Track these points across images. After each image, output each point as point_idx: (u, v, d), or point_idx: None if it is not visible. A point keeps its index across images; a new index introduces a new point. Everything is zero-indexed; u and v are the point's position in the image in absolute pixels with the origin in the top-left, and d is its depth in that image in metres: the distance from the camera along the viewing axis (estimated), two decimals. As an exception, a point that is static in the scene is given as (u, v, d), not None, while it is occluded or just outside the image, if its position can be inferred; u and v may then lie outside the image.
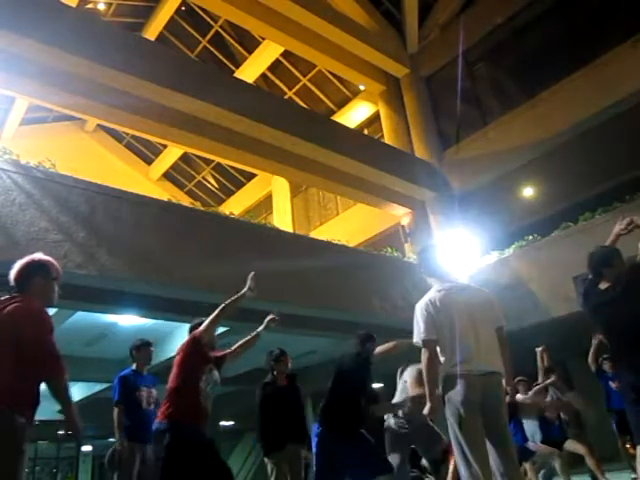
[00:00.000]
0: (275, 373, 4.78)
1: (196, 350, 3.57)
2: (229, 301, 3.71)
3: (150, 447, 4.38)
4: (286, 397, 4.66)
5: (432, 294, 3.15)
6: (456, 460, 2.94)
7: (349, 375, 4.06)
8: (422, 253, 3.42)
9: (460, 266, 9.62)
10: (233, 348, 4.07)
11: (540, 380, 6.80)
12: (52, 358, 2.48)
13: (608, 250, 3.31)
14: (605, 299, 3.21)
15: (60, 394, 2.49)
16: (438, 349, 3.03)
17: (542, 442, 6.28)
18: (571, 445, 6.32)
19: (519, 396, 6.45)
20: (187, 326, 10.03)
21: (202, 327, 3.64)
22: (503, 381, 3.10)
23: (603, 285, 3.25)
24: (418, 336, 3.05)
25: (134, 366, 4.76)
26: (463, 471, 2.86)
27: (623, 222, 3.29)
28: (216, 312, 3.66)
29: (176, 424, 3.27)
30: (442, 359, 3.01)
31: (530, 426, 6.50)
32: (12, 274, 2.63)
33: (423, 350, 3.01)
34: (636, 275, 3.19)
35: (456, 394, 2.92)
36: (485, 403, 2.94)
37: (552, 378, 6.38)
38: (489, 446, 2.92)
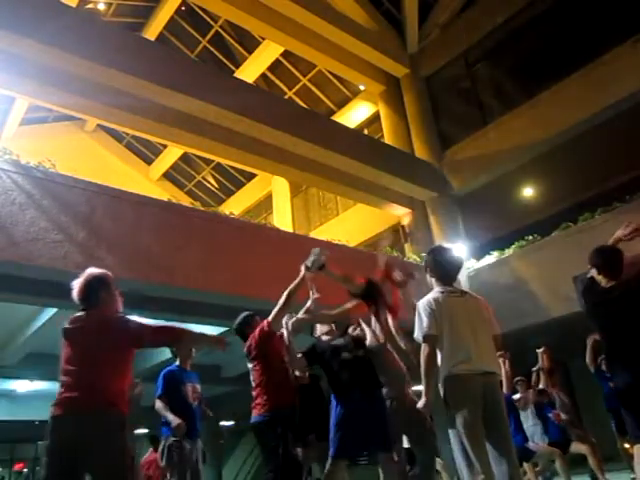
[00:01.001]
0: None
1: (271, 340, 3.74)
2: (292, 286, 3.79)
3: (198, 441, 4.47)
4: (308, 394, 4.60)
5: (435, 294, 3.16)
6: (456, 460, 2.96)
7: None
8: (432, 253, 3.37)
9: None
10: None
11: (534, 381, 6.82)
12: (162, 330, 3.10)
13: (612, 249, 3.31)
14: (606, 297, 3.21)
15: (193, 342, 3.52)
16: (437, 348, 3.05)
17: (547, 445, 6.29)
18: (575, 447, 6.32)
19: (515, 396, 6.47)
20: (187, 326, 10.01)
21: (270, 318, 3.75)
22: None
23: (605, 283, 3.25)
24: (420, 331, 3.07)
25: (177, 362, 4.80)
26: (464, 470, 2.88)
27: (627, 228, 3.27)
28: (282, 300, 3.75)
29: (279, 410, 3.54)
30: (441, 357, 3.03)
31: (530, 427, 6.50)
32: (75, 293, 2.83)
33: (424, 345, 3.03)
34: (638, 277, 3.19)
35: (457, 394, 2.95)
36: (486, 402, 2.96)
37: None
38: (489, 446, 2.93)
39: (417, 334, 3.09)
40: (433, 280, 3.26)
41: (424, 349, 3.01)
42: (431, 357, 3.00)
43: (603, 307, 3.24)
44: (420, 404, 3.03)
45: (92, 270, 2.92)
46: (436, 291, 3.19)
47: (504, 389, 6.08)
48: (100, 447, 2.45)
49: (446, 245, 3.45)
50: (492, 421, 2.95)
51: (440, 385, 3.02)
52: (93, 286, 2.84)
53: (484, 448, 2.89)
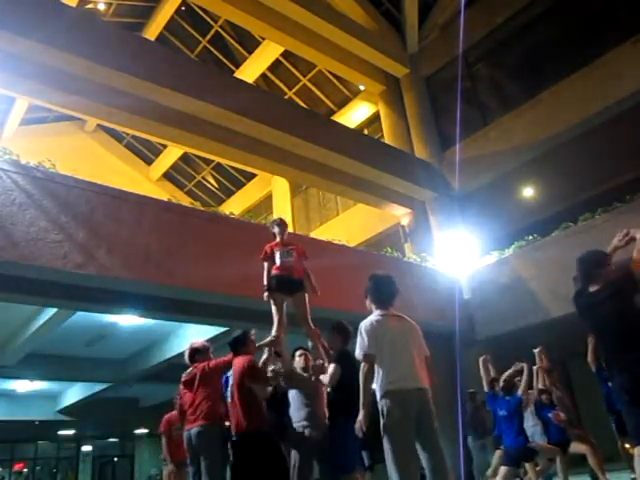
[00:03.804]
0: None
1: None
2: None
3: None
4: None
5: (375, 317, 3.43)
6: (388, 466, 3.16)
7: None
8: (371, 280, 3.63)
9: (460, 266, 9.62)
10: None
11: (536, 381, 6.81)
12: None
13: (595, 254, 3.35)
14: (594, 301, 3.24)
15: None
16: (376, 365, 3.28)
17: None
18: (575, 447, 6.32)
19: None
20: (187, 326, 10.04)
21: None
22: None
23: (593, 287, 3.27)
24: (361, 350, 3.30)
25: None
26: (394, 476, 3.09)
27: (621, 234, 3.31)
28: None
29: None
30: (381, 374, 3.26)
31: (530, 427, 6.50)
32: (187, 357, 4.75)
33: (363, 363, 3.28)
34: (626, 278, 3.21)
35: (393, 408, 3.17)
36: (420, 416, 3.20)
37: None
38: (423, 456, 3.22)
39: (358, 353, 3.33)
40: (373, 305, 3.52)
41: (363, 367, 3.27)
42: (369, 374, 3.25)
43: (590, 311, 3.29)
44: (360, 416, 3.24)
45: (195, 342, 4.89)
46: (376, 314, 3.45)
47: (520, 391, 6.08)
48: (206, 449, 4.29)
49: (386, 274, 3.63)
50: (425, 434, 3.21)
51: (379, 399, 3.23)
52: (199, 352, 4.70)
53: (414, 461, 3.19)
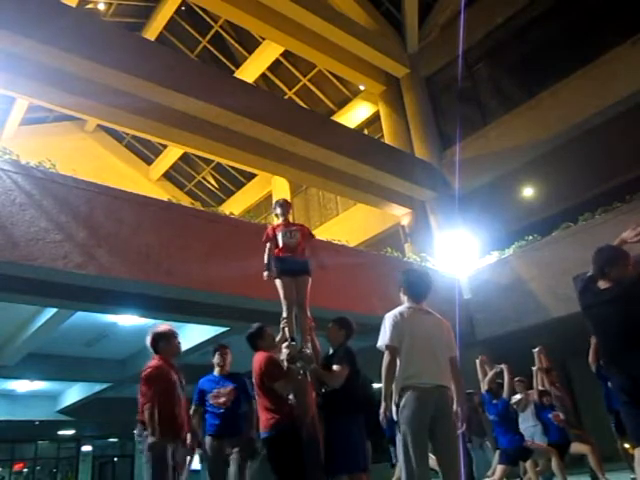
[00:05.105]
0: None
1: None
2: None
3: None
4: None
5: (402, 308, 3.39)
6: (400, 465, 3.12)
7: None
8: (406, 274, 3.63)
9: (460, 266, 9.61)
10: None
11: (535, 382, 6.81)
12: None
13: (616, 250, 3.29)
14: (602, 299, 3.19)
15: None
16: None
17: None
18: (575, 447, 6.32)
19: (515, 397, 6.46)
20: (187, 326, 10.05)
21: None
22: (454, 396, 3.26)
23: (603, 284, 3.23)
24: (383, 341, 3.25)
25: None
26: (403, 471, 3.07)
27: (633, 231, 3.26)
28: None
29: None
30: (398, 368, 3.20)
31: (530, 428, 6.49)
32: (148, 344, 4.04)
33: (385, 354, 3.22)
34: (638, 280, 3.17)
35: (408, 403, 3.11)
36: (437, 414, 3.14)
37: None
38: (436, 453, 3.17)
39: (380, 343, 3.27)
40: (405, 298, 3.48)
41: (385, 358, 3.21)
42: (391, 365, 3.18)
43: (595, 308, 3.23)
44: (382, 409, 3.19)
45: (157, 327, 4.07)
46: (404, 306, 3.42)
47: (504, 394, 6.09)
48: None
49: (418, 267, 3.60)
50: (440, 433, 3.14)
51: (395, 393, 3.17)
52: (153, 339, 4.01)
53: (426, 458, 3.11)
